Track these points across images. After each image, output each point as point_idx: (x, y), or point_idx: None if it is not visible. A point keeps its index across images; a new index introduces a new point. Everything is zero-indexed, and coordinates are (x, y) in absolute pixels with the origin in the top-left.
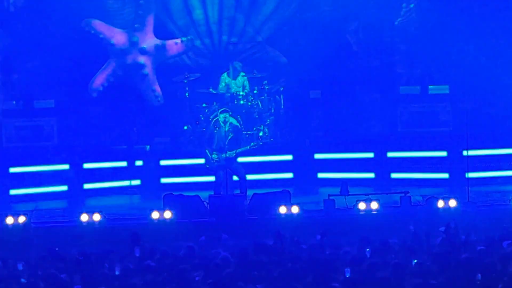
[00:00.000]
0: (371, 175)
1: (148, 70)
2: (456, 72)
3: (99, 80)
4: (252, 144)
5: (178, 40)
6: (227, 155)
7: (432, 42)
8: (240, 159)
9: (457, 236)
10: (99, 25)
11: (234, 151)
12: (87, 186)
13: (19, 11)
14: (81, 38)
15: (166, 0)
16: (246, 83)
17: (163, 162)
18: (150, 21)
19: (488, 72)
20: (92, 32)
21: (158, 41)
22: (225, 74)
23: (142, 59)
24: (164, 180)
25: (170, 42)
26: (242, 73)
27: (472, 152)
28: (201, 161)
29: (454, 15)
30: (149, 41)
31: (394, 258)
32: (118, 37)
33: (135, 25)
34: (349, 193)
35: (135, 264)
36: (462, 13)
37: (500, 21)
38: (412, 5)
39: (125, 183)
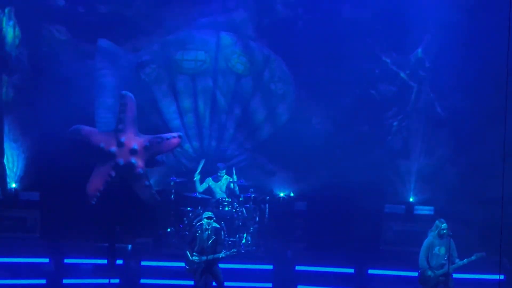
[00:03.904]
0: None
1: (141, 168)
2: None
3: (95, 185)
4: (232, 250)
5: (175, 134)
6: (208, 258)
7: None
8: (220, 265)
9: None
10: (87, 131)
11: (213, 256)
12: (66, 281)
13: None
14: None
15: (158, 102)
16: (231, 185)
17: (144, 263)
18: (132, 123)
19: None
20: (79, 138)
21: (147, 140)
22: (209, 178)
23: (133, 158)
24: (143, 281)
25: (161, 139)
26: (230, 178)
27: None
28: (182, 264)
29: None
30: (137, 140)
31: None
32: (106, 139)
33: (119, 126)
34: None
35: None
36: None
37: None
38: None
39: (104, 281)
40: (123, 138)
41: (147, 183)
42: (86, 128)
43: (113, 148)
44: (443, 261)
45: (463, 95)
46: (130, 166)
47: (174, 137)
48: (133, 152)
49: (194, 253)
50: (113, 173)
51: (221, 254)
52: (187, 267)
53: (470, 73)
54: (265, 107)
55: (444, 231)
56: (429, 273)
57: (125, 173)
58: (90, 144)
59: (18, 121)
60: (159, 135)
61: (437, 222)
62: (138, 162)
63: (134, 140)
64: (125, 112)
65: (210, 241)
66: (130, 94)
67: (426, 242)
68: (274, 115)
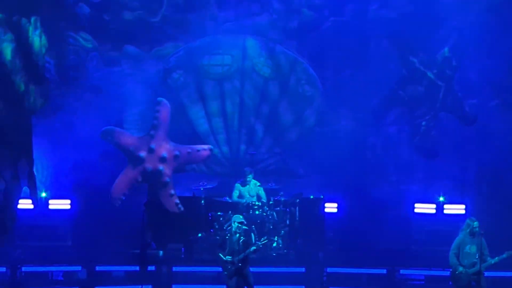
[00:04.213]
0: None
1: (168, 177)
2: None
3: (120, 188)
4: (262, 239)
5: (206, 147)
6: (240, 257)
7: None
8: (252, 268)
9: None
10: (119, 133)
11: (246, 251)
12: None
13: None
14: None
15: (186, 107)
16: (262, 192)
17: (175, 268)
18: (164, 130)
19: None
20: (110, 139)
21: (177, 150)
22: (237, 184)
23: (161, 166)
24: (175, 287)
25: (191, 150)
26: (258, 183)
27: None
28: (213, 269)
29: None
30: (168, 148)
31: None
32: (136, 143)
33: (151, 132)
34: None
35: None
36: None
37: None
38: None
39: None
40: (153, 145)
41: (172, 192)
42: (118, 130)
43: (143, 153)
44: (475, 260)
45: (491, 93)
46: (158, 174)
47: (204, 149)
48: (162, 160)
49: (227, 256)
50: (140, 178)
51: (253, 248)
52: (225, 272)
53: (497, 71)
54: (293, 110)
55: (476, 229)
56: (460, 269)
57: (152, 180)
58: (120, 146)
59: (47, 130)
60: (190, 146)
61: (468, 220)
62: (166, 170)
63: (164, 148)
64: (159, 118)
65: (240, 242)
66: (165, 101)
67: (456, 240)
68: (302, 118)
